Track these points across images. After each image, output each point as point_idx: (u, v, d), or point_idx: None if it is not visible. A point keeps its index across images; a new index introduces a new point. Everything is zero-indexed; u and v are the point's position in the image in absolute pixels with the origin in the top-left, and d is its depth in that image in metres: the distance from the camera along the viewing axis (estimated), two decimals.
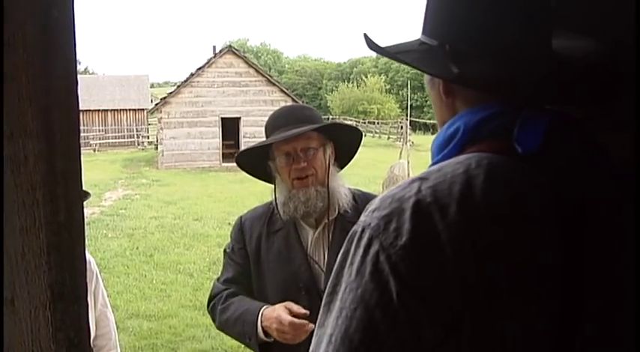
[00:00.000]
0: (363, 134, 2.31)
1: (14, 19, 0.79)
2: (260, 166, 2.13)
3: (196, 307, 7.63)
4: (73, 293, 0.85)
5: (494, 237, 0.81)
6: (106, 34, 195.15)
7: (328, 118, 41.63)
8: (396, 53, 1.00)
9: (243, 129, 24.67)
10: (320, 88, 76.70)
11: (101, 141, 34.71)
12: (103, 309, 2.49)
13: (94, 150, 32.46)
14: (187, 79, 25.03)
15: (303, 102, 26.28)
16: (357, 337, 0.82)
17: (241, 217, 2.22)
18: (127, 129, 37.18)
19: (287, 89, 26.24)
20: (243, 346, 2.06)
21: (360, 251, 0.84)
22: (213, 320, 2.17)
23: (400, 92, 60.35)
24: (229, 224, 9.84)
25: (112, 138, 35.95)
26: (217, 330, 2.24)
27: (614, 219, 0.89)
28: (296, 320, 1.83)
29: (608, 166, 0.92)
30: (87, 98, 34.11)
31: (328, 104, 60.57)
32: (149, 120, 37.60)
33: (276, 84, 25.70)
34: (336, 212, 2.05)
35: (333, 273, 0.89)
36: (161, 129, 24.91)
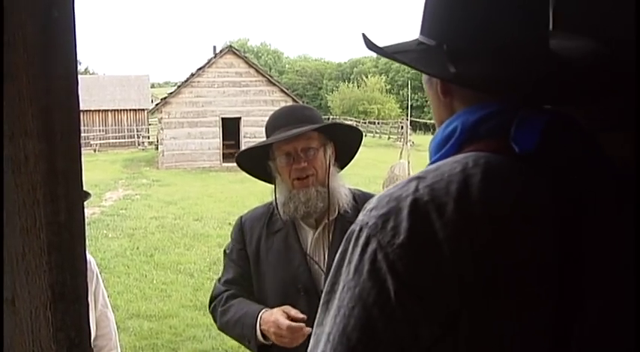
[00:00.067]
0: (364, 134, 2.31)
1: (14, 19, 0.79)
2: (260, 166, 2.13)
3: (197, 307, 7.63)
4: (73, 293, 0.85)
5: (492, 237, 0.81)
6: (106, 34, 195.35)
7: (329, 118, 41.63)
8: (394, 53, 1.00)
9: (243, 130, 24.68)
10: (320, 88, 76.69)
11: (102, 142, 34.72)
12: (103, 309, 2.49)
13: (95, 151, 32.47)
14: (188, 79, 25.04)
15: (303, 102, 26.29)
16: (354, 335, 0.82)
17: (241, 217, 2.22)
18: (128, 130, 37.20)
19: (287, 89, 26.24)
20: (243, 347, 2.07)
21: (358, 249, 0.85)
22: (215, 321, 2.19)
23: (401, 92, 60.35)
24: (230, 224, 9.85)
25: (112, 139, 35.96)
26: (218, 330, 2.25)
27: (613, 219, 0.89)
28: (293, 323, 1.84)
29: (606, 166, 0.92)
30: (87, 98, 34.13)
31: (328, 104, 60.59)
32: (149, 120, 37.62)
33: (277, 84, 25.71)
34: (336, 212, 2.05)
35: (331, 272, 0.89)
36: (161, 129, 24.92)
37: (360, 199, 2.07)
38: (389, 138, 37.99)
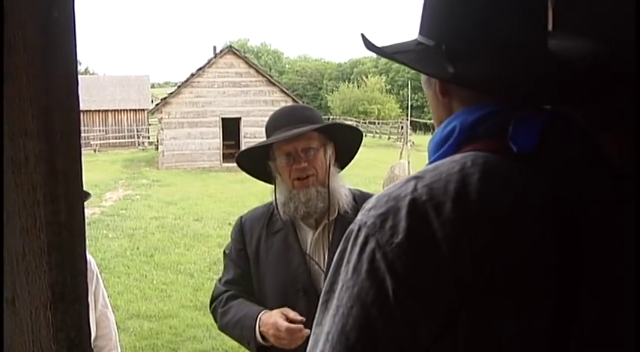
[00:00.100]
0: (364, 134, 2.31)
1: (15, 19, 0.79)
2: (260, 166, 2.12)
3: (197, 307, 7.63)
4: (73, 293, 0.85)
5: (491, 236, 0.81)
6: (106, 34, 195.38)
7: (329, 118, 41.64)
8: (392, 53, 1.00)
9: (243, 130, 24.68)
10: (320, 88, 76.68)
11: (102, 142, 34.72)
12: (103, 310, 2.49)
13: (95, 151, 32.46)
14: (188, 80, 25.05)
15: (303, 102, 26.29)
16: (353, 335, 0.82)
17: (241, 217, 2.22)
18: (128, 130, 37.20)
19: (287, 89, 26.24)
20: (243, 347, 2.08)
21: (357, 249, 0.85)
22: (215, 322, 2.19)
23: (401, 92, 60.34)
24: (230, 224, 9.85)
25: (112, 139, 35.97)
26: (218, 330, 2.26)
27: (612, 219, 0.89)
28: (292, 325, 1.84)
29: (605, 166, 0.92)
30: (87, 98, 34.13)
31: (329, 104, 60.59)
32: (150, 120, 37.63)
33: (277, 84, 25.71)
34: (336, 212, 2.05)
35: (330, 272, 0.90)
36: (161, 129, 24.92)
37: (360, 199, 2.07)
38: (389, 138, 37.99)
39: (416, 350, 0.82)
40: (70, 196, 0.84)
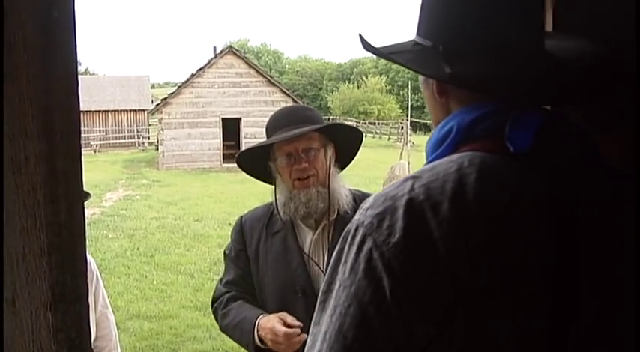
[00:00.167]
0: (364, 134, 2.31)
1: (15, 20, 0.79)
2: (260, 167, 2.12)
3: (197, 307, 7.63)
4: (73, 293, 0.85)
5: (488, 236, 0.81)
6: (106, 34, 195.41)
7: (329, 119, 41.68)
8: (390, 54, 1.00)
9: (243, 130, 24.68)
10: (320, 89, 76.67)
11: (102, 142, 34.72)
12: (103, 310, 2.49)
13: (95, 151, 32.47)
14: (188, 80, 25.05)
15: (303, 102, 26.29)
16: (350, 334, 0.82)
17: (241, 218, 2.22)
18: (128, 130, 37.22)
19: (287, 90, 26.24)
20: (243, 348, 2.09)
21: (354, 248, 0.85)
22: (217, 322, 2.19)
23: (401, 92, 60.34)
24: (230, 224, 9.84)
25: (112, 139, 35.98)
26: (218, 331, 2.27)
27: (610, 220, 0.89)
28: (289, 330, 1.85)
29: (602, 166, 0.92)
30: (87, 99, 34.13)
31: (329, 104, 60.57)
32: (150, 120, 37.62)
33: (277, 84, 25.71)
34: (336, 213, 2.04)
35: (327, 272, 0.90)
36: (162, 129, 24.92)
37: (360, 200, 2.07)
38: (389, 138, 38.00)
39: (413, 349, 0.82)
40: (70, 196, 0.84)
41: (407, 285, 0.81)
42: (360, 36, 1.00)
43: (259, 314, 1.98)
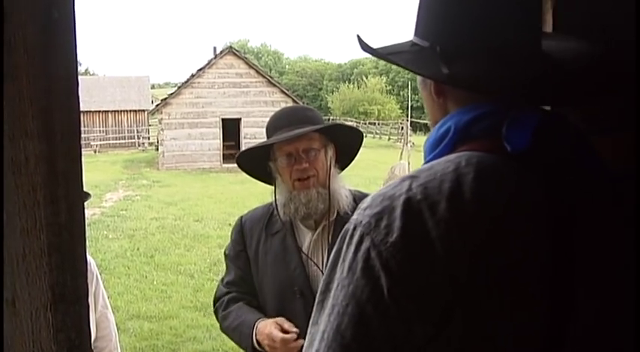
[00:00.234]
0: (364, 135, 2.31)
1: (15, 20, 0.79)
2: (260, 167, 2.12)
3: (197, 308, 7.63)
4: (73, 294, 0.85)
5: (485, 236, 0.82)
6: (106, 35, 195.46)
7: (329, 119, 41.69)
8: (387, 54, 1.01)
9: (243, 130, 24.68)
10: (321, 89, 76.66)
11: (102, 142, 34.72)
12: (103, 310, 2.49)
13: (95, 151, 32.47)
14: (188, 80, 25.05)
15: (303, 103, 26.30)
16: (348, 333, 0.83)
17: (242, 218, 2.22)
18: (128, 131, 37.22)
19: (288, 90, 26.24)
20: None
21: (352, 248, 0.85)
22: (218, 322, 2.20)
23: (401, 93, 60.31)
24: (230, 225, 9.84)
25: (112, 139, 35.98)
26: (218, 331, 2.28)
27: (608, 221, 0.90)
28: (287, 336, 1.86)
29: (600, 167, 0.92)
30: (88, 99, 34.14)
31: (329, 105, 60.57)
32: (150, 121, 37.65)
33: (277, 85, 25.71)
34: (335, 213, 2.04)
35: (326, 272, 0.90)
36: (162, 130, 24.92)
37: (360, 200, 2.05)
38: (389, 139, 38.02)
39: (410, 348, 0.82)
40: (70, 197, 0.84)
41: (405, 285, 0.81)
42: (358, 36, 1.00)
43: (258, 319, 1.99)
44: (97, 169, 22.74)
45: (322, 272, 1.98)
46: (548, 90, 0.94)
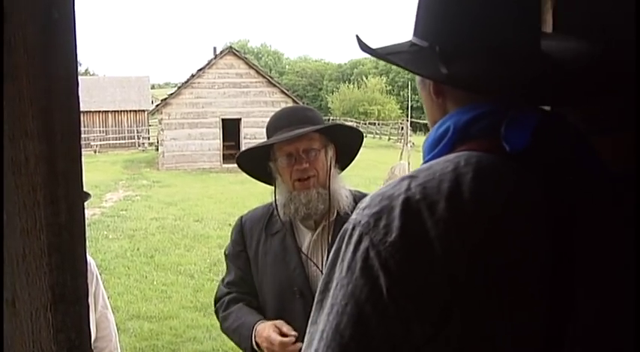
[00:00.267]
0: (364, 135, 2.31)
1: (15, 20, 0.79)
2: (261, 167, 2.12)
3: (197, 308, 7.63)
4: (73, 294, 0.85)
5: (484, 236, 0.82)
6: (106, 35, 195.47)
7: (329, 119, 41.68)
8: (386, 54, 1.01)
9: (243, 131, 24.68)
10: (321, 89, 76.65)
11: (102, 143, 34.72)
12: (103, 311, 2.49)
13: (95, 152, 32.47)
14: (188, 80, 25.04)
15: (303, 103, 26.30)
16: (347, 332, 0.83)
17: (242, 218, 2.22)
18: (128, 131, 37.22)
19: (288, 90, 26.24)
20: None
21: (351, 248, 0.85)
22: (219, 322, 2.21)
23: (401, 93, 60.32)
24: (230, 225, 9.84)
25: (112, 140, 35.98)
26: (218, 332, 2.29)
27: (607, 221, 0.90)
28: (285, 339, 1.86)
29: (598, 167, 0.93)
30: (88, 99, 34.15)
31: (329, 105, 60.56)
32: (150, 121, 37.66)
33: (277, 85, 25.71)
34: (335, 214, 2.04)
35: (325, 271, 0.90)
36: (162, 130, 24.92)
37: (360, 200, 2.06)
38: (389, 139, 38.03)
39: (409, 348, 0.82)
40: (70, 197, 0.84)
41: (403, 284, 0.81)
42: (357, 36, 1.00)
43: (257, 321, 1.99)
44: (97, 169, 22.75)
45: (322, 272, 1.98)
46: (548, 91, 0.94)
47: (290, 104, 20.48)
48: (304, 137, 1.99)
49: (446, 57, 0.92)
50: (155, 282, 8.85)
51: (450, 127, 0.93)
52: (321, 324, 0.86)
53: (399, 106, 54.98)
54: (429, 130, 1.01)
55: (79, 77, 0.90)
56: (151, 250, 10.67)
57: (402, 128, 29.29)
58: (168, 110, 24.71)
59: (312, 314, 0.90)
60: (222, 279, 2.24)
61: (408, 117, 22.90)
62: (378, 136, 40.21)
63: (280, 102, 22.98)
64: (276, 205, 2.08)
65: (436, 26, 0.98)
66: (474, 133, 0.91)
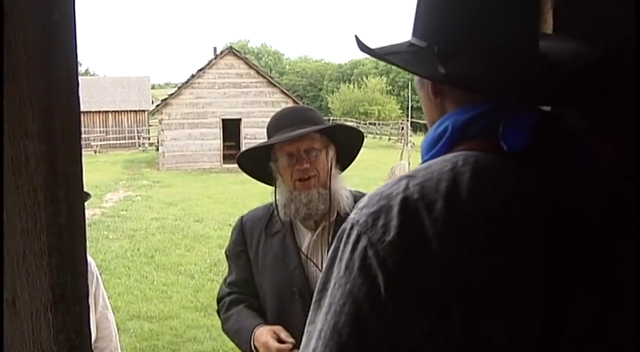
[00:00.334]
0: (364, 135, 2.31)
1: (15, 21, 0.79)
2: (261, 167, 2.12)
3: (197, 308, 7.63)
4: (74, 294, 0.85)
5: (483, 236, 0.82)
6: (106, 35, 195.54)
7: (329, 119, 41.73)
8: (385, 54, 1.01)
9: (244, 131, 24.68)
10: (321, 89, 76.65)
11: (102, 143, 34.73)
12: (103, 311, 2.49)
13: (95, 152, 32.48)
14: (188, 81, 25.05)
15: (304, 103, 26.29)
16: (345, 331, 0.83)
17: (242, 218, 2.22)
18: (128, 131, 37.23)
19: (288, 90, 26.24)
20: None
21: (349, 247, 0.86)
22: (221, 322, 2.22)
23: (401, 93, 60.29)
24: (230, 225, 9.82)
25: (113, 140, 35.98)
26: (218, 332, 2.29)
27: (605, 221, 0.90)
28: (282, 346, 1.86)
29: (596, 167, 0.93)
30: (88, 99, 34.14)
31: (329, 105, 60.55)
32: (150, 121, 37.65)
33: (277, 85, 25.71)
34: (336, 214, 2.04)
35: (323, 271, 0.90)
36: (162, 130, 24.92)
37: None
38: (389, 139, 38.04)
39: (407, 347, 0.82)
40: (70, 197, 0.84)
41: (402, 283, 0.81)
42: (356, 36, 1.00)
43: (256, 325, 1.99)
44: (97, 169, 22.75)
45: (321, 272, 1.98)
46: (547, 91, 0.95)
47: (290, 104, 20.46)
48: (305, 137, 1.99)
49: (444, 57, 0.93)
50: (155, 282, 8.85)
51: (448, 127, 0.93)
52: (319, 323, 0.87)
53: (399, 106, 54.98)
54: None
55: (80, 77, 0.90)
56: (152, 250, 10.67)
57: (403, 128, 29.31)
58: (169, 110, 24.71)
59: (310, 313, 0.90)
60: (225, 279, 2.24)
61: (408, 117, 22.91)
62: (378, 136, 40.22)
63: (280, 103, 22.98)
64: (276, 205, 2.08)
65: (434, 26, 0.98)
66: (473, 133, 0.91)
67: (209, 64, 24.96)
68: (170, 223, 13.04)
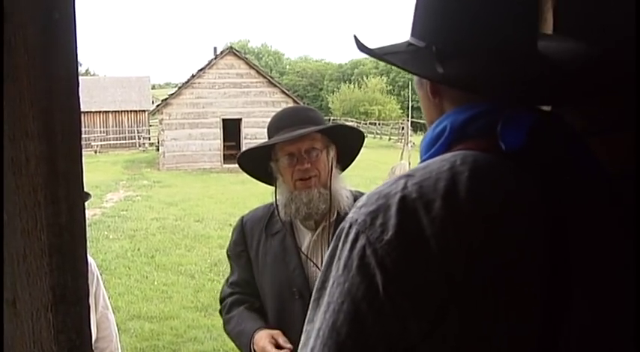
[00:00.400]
0: (365, 135, 2.31)
1: (15, 21, 0.79)
2: (261, 167, 2.12)
3: (198, 308, 7.63)
4: (74, 294, 0.85)
5: (482, 235, 0.82)
6: (107, 35, 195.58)
7: (329, 119, 41.73)
8: (384, 54, 1.01)
9: (244, 131, 24.68)
10: (321, 89, 76.65)
11: (102, 143, 34.73)
12: (104, 311, 2.50)
13: (96, 152, 32.48)
14: (188, 81, 25.04)
15: (304, 103, 26.30)
16: (344, 330, 0.83)
17: (242, 218, 2.22)
18: (129, 131, 37.23)
19: (288, 90, 26.24)
20: None
21: (348, 246, 0.86)
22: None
23: (401, 93, 60.29)
24: (230, 225, 9.81)
25: (113, 140, 35.99)
26: (219, 332, 2.30)
27: (604, 221, 0.90)
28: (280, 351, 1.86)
29: (595, 167, 0.93)
30: (88, 99, 34.15)
31: (329, 105, 60.55)
32: (150, 121, 37.66)
33: (278, 85, 25.71)
34: (336, 214, 2.04)
35: (322, 270, 0.90)
36: (162, 130, 24.92)
37: None
38: (390, 139, 38.03)
39: (406, 346, 0.82)
40: (70, 197, 0.84)
41: (400, 282, 0.81)
42: (355, 36, 1.00)
43: (256, 329, 1.99)
44: (97, 170, 22.75)
45: None
46: (547, 91, 0.95)
47: (291, 104, 20.45)
48: (306, 137, 1.99)
49: (442, 57, 0.93)
50: (156, 282, 8.85)
51: (446, 127, 0.93)
52: (317, 322, 0.87)
53: (399, 106, 54.99)
54: None
55: (80, 77, 0.90)
56: (152, 250, 10.67)
57: (403, 128, 29.32)
58: (169, 110, 24.71)
59: (308, 312, 0.90)
60: (227, 279, 2.25)
61: (408, 117, 22.92)
62: (378, 136, 40.22)
63: (281, 103, 22.98)
64: (276, 205, 2.08)
65: (433, 26, 0.98)
66: (471, 133, 0.91)
67: (209, 64, 24.96)
68: (170, 223, 13.04)
